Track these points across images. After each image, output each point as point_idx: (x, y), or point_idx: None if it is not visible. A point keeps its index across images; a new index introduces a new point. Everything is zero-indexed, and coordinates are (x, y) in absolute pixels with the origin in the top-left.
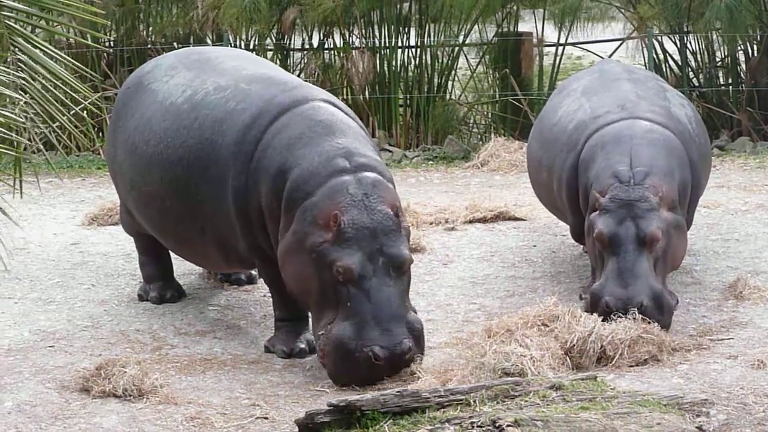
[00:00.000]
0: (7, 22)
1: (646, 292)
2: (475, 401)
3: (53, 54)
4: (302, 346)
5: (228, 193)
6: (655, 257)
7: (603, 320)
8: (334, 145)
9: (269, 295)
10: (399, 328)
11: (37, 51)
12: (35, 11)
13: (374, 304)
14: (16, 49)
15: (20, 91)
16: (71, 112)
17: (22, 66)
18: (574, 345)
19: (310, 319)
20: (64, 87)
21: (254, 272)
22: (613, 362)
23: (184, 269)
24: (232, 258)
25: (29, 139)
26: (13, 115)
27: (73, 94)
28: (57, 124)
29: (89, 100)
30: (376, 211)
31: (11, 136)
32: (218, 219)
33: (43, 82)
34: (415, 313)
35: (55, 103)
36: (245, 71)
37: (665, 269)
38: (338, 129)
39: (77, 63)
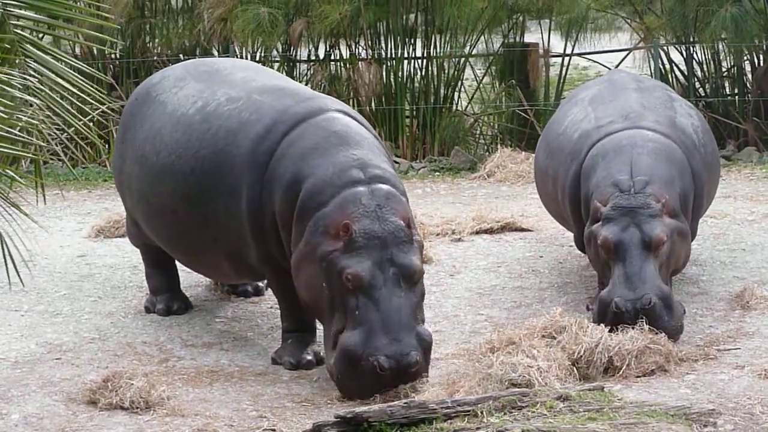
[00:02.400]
0: (15, 31)
1: (655, 291)
2: (482, 412)
3: (63, 58)
4: (309, 357)
5: (242, 202)
6: (660, 262)
7: (610, 330)
8: (348, 156)
9: (276, 306)
10: (408, 339)
11: (47, 57)
12: (43, 18)
13: (382, 313)
14: (26, 57)
15: (32, 98)
16: (85, 118)
17: (33, 73)
18: (581, 356)
19: (317, 331)
20: (76, 92)
21: (261, 284)
22: (621, 373)
23: (190, 281)
24: (242, 268)
25: (44, 144)
26: (31, 119)
27: (85, 98)
28: (72, 129)
29: (102, 108)
30: (389, 222)
31: (30, 139)
32: (231, 229)
33: (55, 87)
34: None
35: (68, 108)
36: (255, 82)
37: (668, 273)
38: (353, 140)
39: (87, 67)
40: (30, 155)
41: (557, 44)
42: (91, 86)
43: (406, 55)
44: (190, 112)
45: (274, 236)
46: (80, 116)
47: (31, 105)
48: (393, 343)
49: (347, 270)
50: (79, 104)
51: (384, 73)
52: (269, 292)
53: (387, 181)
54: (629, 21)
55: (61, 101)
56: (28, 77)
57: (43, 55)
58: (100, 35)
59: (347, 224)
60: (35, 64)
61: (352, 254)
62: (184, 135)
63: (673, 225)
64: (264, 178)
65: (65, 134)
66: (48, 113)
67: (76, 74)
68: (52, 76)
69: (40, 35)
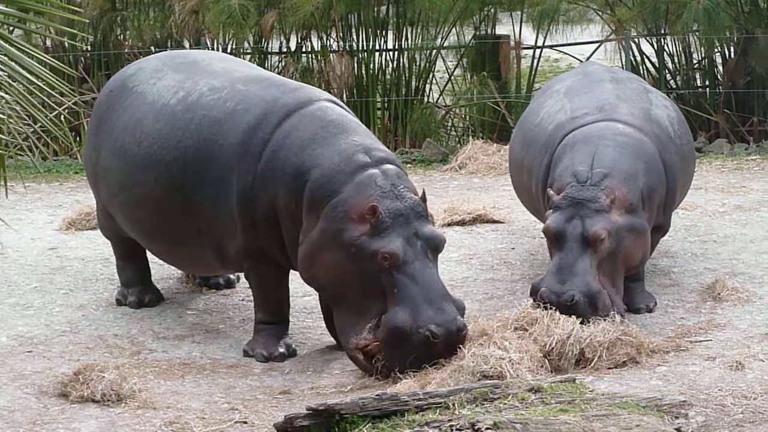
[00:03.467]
0: None
1: (580, 288)
2: (454, 404)
3: (32, 53)
4: (282, 350)
5: (231, 192)
6: (600, 257)
7: (581, 323)
8: (350, 143)
9: (248, 298)
10: (449, 306)
11: (15, 51)
12: (13, 11)
13: (422, 286)
14: None
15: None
16: (53, 114)
17: (2, 67)
18: (552, 348)
19: (290, 323)
20: (44, 87)
21: (233, 276)
22: (592, 364)
23: (162, 273)
24: (226, 259)
25: (11, 140)
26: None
27: (54, 94)
28: (39, 125)
29: (70, 102)
30: (407, 198)
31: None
32: (216, 219)
33: (23, 82)
34: None
35: (35, 104)
36: (237, 73)
37: (615, 271)
38: (350, 127)
39: (57, 62)
40: None
41: (529, 36)
42: (60, 81)
43: (377, 47)
44: (172, 102)
45: (266, 227)
46: (49, 109)
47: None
48: (439, 313)
49: (382, 250)
50: (45, 99)
51: (355, 65)
52: (239, 285)
53: (392, 162)
54: (601, 13)
55: (29, 96)
56: None
57: (12, 49)
58: (71, 30)
59: (373, 206)
60: (4, 57)
61: (381, 235)
62: (167, 125)
63: (621, 222)
64: (257, 168)
65: (39, 125)
66: (16, 108)
67: (45, 69)
68: (21, 70)
69: (11, 29)
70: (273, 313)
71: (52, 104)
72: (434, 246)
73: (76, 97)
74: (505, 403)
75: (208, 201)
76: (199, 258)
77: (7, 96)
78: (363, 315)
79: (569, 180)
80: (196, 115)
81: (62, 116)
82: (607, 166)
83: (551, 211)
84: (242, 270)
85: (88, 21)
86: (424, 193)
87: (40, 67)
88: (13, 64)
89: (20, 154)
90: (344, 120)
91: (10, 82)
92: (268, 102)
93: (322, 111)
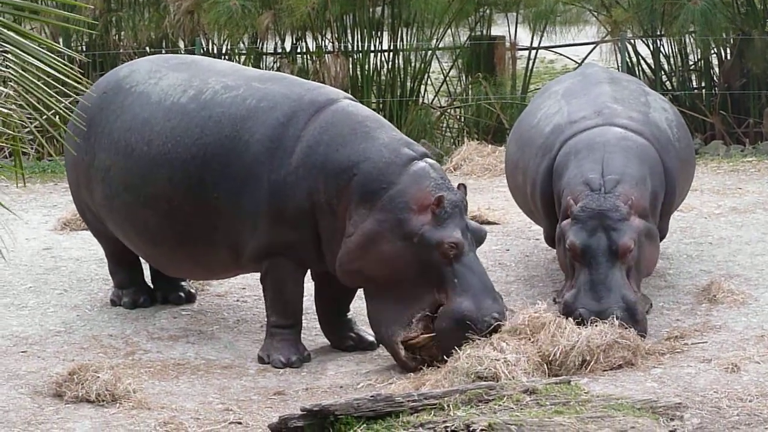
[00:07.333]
0: None
1: (619, 304)
2: (448, 405)
3: (42, 41)
4: (299, 356)
5: (258, 188)
6: (628, 267)
7: (577, 323)
8: (391, 137)
9: (242, 300)
10: (499, 297)
11: (23, 40)
12: (9, 9)
13: (479, 276)
14: (2, 41)
15: (10, 84)
16: (50, 112)
17: (10, 58)
18: (555, 358)
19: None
20: (54, 74)
21: (192, 290)
22: (589, 367)
23: None
24: (241, 257)
25: (18, 135)
26: (6, 110)
27: (69, 82)
28: (45, 118)
29: (69, 101)
30: (456, 192)
31: (4, 130)
32: (237, 215)
33: (32, 69)
34: None
35: (48, 90)
36: (248, 71)
37: (638, 277)
38: (384, 123)
39: (65, 49)
40: (8, 145)
41: (524, 37)
42: (70, 68)
43: (372, 48)
44: (183, 100)
45: (297, 222)
46: (47, 108)
47: (6, 96)
48: (495, 302)
49: (447, 240)
50: (61, 87)
51: (350, 66)
52: (232, 286)
53: (430, 156)
54: (596, 14)
55: (40, 84)
56: (4, 61)
57: (19, 38)
58: (77, 16)
59: (441, 197)
60: (11, 47)
61: (443, 225)
62: (181, 122)
63: (641, 227)
64: (290, 164)
65: (36, 123)
66: (20, 102)
67: (54, 55)
68: (30, 59)
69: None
70: (288, 315)
71: (65, 90)
72: (479, 239)
73: (86, 86)
74: (500, 405)
75: (228, 198)
76: (206, 258)
77: (12, 91)
78: (411, 307)
79: (581, 188)
80: (213, 112)
81: (59, 115)
82: (617, 172)
83: (570, 223)
84: (257, 270)
85: (92, 7)
86: (465, 187)
87: (51, 55)
88: (21, 53)
89: (23, 148)
90: (376, 116)
91: (18, 71)
92: (294, 99)
93: (353, 107)
